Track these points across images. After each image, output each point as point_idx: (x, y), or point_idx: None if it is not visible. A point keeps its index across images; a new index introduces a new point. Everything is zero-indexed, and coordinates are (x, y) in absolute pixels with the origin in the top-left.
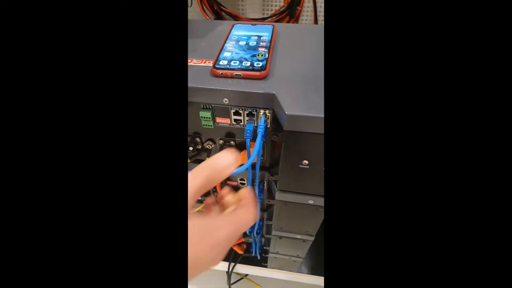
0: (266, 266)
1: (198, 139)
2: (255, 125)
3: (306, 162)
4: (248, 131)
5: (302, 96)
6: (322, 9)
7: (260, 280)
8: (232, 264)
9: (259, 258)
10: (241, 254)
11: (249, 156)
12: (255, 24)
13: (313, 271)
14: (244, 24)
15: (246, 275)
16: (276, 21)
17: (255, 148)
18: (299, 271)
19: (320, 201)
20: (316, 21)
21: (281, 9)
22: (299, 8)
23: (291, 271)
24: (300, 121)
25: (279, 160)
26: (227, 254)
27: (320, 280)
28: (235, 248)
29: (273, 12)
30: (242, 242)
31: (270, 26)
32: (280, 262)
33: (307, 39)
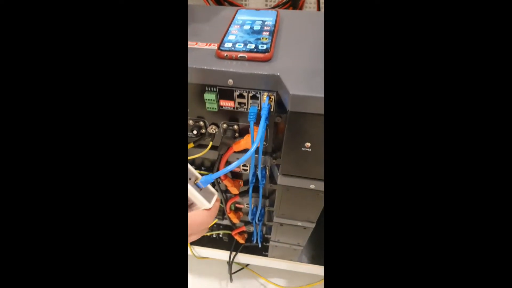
0: (267, 255)
1: (202, 123)
2: (259, 108)
3: (309, 144)
4: (252, 114)
5: (306, 78)
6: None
7: (260, 270)
8: (233, 253)
9: (260, 246)
10: (242, 244)
11: (253, 141)
12: (259, 10)
13: (313, 261)
14: (248, 9)
15: (247, 265)
16: None
17: (259, 130)
18: (300, 260)
19: (322, 186)
20: (319, 8)
21: (284, 0)
22: None
23: (291, 260)
24: (304, 101)
25: (282, 145)
26: (228, 244)
27: (320, 269)
28: (236, 237)
29: (276, 3)
30: (243, 231)
31: (274, 12)
32: (280, 251)
33: (310, 25)
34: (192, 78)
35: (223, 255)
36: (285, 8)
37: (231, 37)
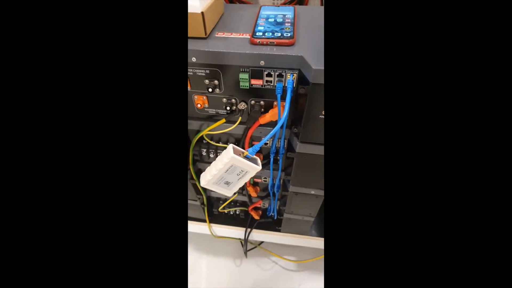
0: (279, 230)
1: (233, 100)
2: (284, 84)
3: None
4: (279, 88)
5: (323, 57)
6: None
7: (272, 248)
8: (249, 230)
9: (275, 218)
10: (257, 220)
11: (279, 116)
12: (278, 6)
13: (322, 234)
14: (270, 6)
15: (260, 243)
16: None
17: (287, 99)
18: (310, 234)
19: None
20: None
21: None
22: None
23: (302, 234)
24: (322, 74)
25: (301, 117)
26: (244, 220)
27: None
28: (252, 213)
29: (283, 2)
30: (258, 208)
31: (292, 7)
32: (293, 224)
33: (322, 17)
34: (230, 61)
35: (238, 233)
36: (292, 5)
37: (260, 27)
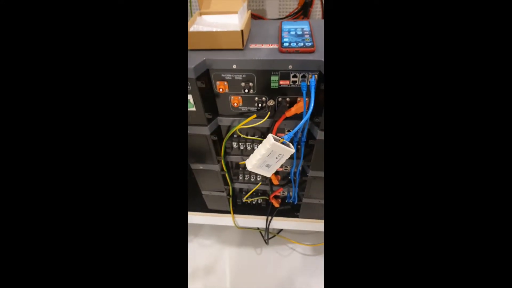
0: (297, 216)
1: (264, 98)
2: (307, 83)
3: None
4: (304, 86)
5: None
6: None
7: (290, 235)
8: (269, 218)
9: (295, 203)
10: (277, 208)
11: (305, 109)
12: (297, 21)
13: None
14: (288, 21)
15: (279, 232)
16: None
17: (312, 95)
18: None
19: None
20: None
21: (295, 10)
22: (310, 8)
23: (319, 218)
24: None
25: (321, 109)
26: (265, 209)
27: None
28: (273, 201)
29: (288, 13)
30: (278, 196)
31: (307, 22)
32: (310, 208)
33: None
34: (264, 66)
35: (259, 222)
36: (297, 17)
37: (285, 39)
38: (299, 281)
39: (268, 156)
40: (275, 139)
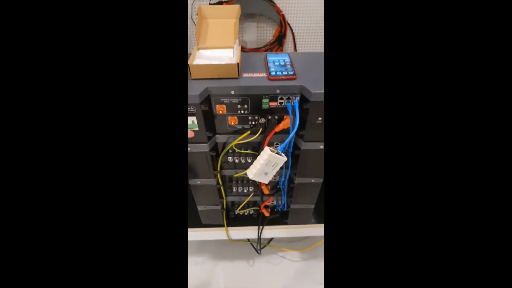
0: (286, 223)
1: (256, 117)
2: (292, 104)
3: (320, 118)
4: (289, 106)
5: (315, 84)
6: (299, 39)
7: (280, 244)
8: (261, 227)
9: (285, 209)
10: (267, 217)
11: (291, 125)
12: (278, 53)
13: (319, 221)
14: (271, 53)
15: (269, 241)
16: (269, 50)
17: (297, 114)
18: (311, 223)
19: None
20: (295, 48)
21: (271, 41)
22: (284, 39)
23: (305, 223)
24: (318, 95)
25: (305, 123)
26: (256, 219)
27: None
28: (263, 211)
29: (264, 43)
30: (268, 206)
31: (286, 54)
32: (298, 214)
33: (309, 59)
34: (256, 91)
35: (250, 233)
36: (273, 47)
37: (272, 69)
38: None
39: (266, 165)
40: (271, 151)
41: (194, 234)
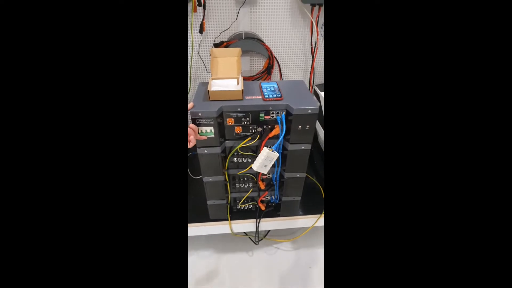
0: (279, 215)
1: (255, 127)
2: (280, 116)
3: (300, 126)
4: (279, 119)
5: (298, 102)
6: (284, 69)
7: (275, 235)
8: (259, 220)
9: (277, 201)
10: (263, 210)
11: (281, 131)
12: (268, 81)
13: (306, 212)
14: (264, 82)
15: (266, 234)
16: (260, 78)
17: (284, 124)
18: (299, 214)
19: (308, 147)
20: (281, 76)
21: (262, 70)
22: (272, 69)
23: (294, 215)
24: (298, 110)
25: (290, 130)
26: (254, 213)
27: (311, 219)
28: (260, 205)
29: (257, 72)
30: (264, 201)
31: (275, 82)
32: (288, 206)
33: (292, 85)
34: (255, 109)
35: (249, 226)
36: (263, 74)
37: (266, 93)
38: (289, 273)
39: (265, 160)
40: (268, 149)
41: (203, 229)
